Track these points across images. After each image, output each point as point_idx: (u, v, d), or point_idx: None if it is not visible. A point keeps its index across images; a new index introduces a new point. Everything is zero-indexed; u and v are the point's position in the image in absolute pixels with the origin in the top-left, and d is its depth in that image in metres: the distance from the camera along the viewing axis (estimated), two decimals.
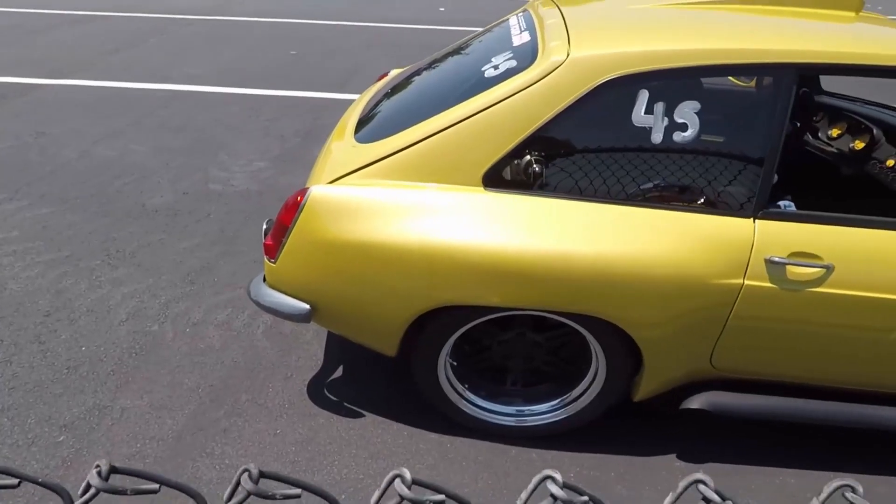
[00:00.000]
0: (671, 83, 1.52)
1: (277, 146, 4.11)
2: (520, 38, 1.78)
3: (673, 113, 1.53)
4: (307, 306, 1.69)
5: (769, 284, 1.55)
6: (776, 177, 2.50)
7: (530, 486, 0.48)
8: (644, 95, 1.52)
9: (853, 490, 0.45)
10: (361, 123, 1.89)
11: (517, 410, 1.91)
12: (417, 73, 2.13)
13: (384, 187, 1.61)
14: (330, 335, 2.36)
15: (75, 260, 2.76)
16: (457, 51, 2.14)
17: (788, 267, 1.54)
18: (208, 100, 4.93)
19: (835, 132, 2.43)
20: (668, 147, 1.56)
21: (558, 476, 0.47)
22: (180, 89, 5.13)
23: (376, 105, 2.00)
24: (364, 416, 2.04)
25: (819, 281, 1.54)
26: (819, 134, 2.51)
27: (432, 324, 1.68)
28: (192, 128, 4.33)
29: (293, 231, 1.64)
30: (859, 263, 1.54)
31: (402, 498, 0.47)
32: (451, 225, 1.55)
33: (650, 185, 1.60)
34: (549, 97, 1.51)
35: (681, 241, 1.53)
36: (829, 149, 2.42)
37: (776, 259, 1.54)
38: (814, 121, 2.56)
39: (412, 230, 1.56)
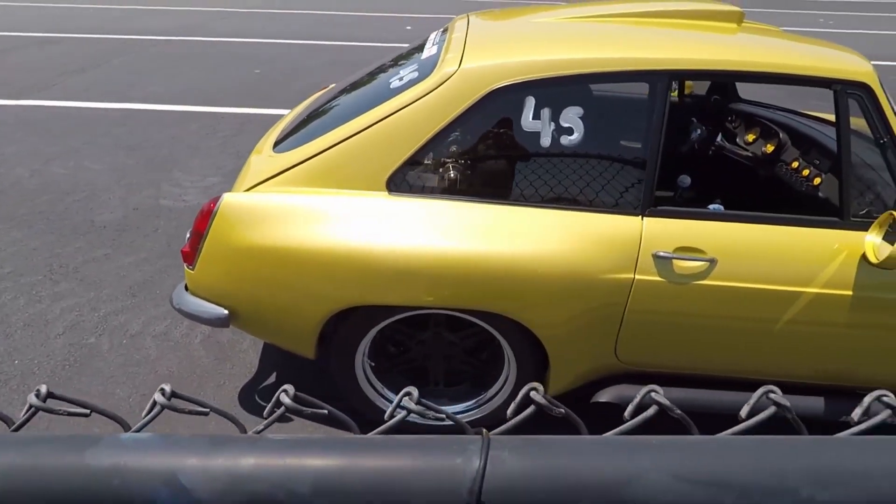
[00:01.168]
0: (554, 90, 1.61)
1: (232, 162, 4.16)
2: (429, 51, 1.88)
3: (559, 118, 1.62)
4: (225, 311, 1.74)
5: (658, 278, 1.63)
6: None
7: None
8: (530, 102, 1.61)
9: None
10: (282, 135, 1.97)
11: (461, 408, 1.97)
12: (344, 85, 2.21)
13: (295, 194, 1.67)
14: (266, 343, 2.40)
15: (16, 276, 2.78)
16: (382, 65, 2.23)
17: (674, 261, 1.63)
18: (167, 118, 4.97)
19: (750, 137, 2.55)
20: (557, 151, 1.65)
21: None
22: (139, 108, 5.18)
23: (298, 117, 2.07)
24: (292, 420, 2.07)
25: (703, 274, 1.62)
26: (737, 139, 2.63)
27: (344, 325, 1.74)
28: (148, 145, 4.37)
29: (207, 238, 1.69)
30: (741, 257, 1.63)
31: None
32: (356, 228, 1.62)
33: (544, 186, 1.68)
34: (443, 106, 1.60)
35: (575, 239, 1.61)
36: (745, 152, 2.54)
37: (662, 254, 1.62)
38: (733, 126, 2.69)
39: (320, 234, 1.62)
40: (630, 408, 0.52)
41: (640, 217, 1.65)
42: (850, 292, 1.63)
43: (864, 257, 1.62)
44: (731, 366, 1.79)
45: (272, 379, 2.26)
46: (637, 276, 1.63)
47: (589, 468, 0.41)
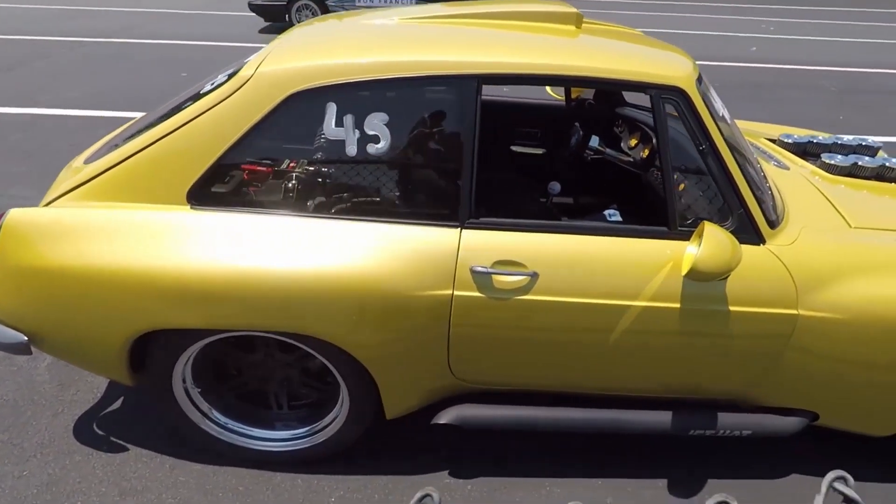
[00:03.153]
0: (355, 95, 1.51)
1: None
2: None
3: (363, 125, 1.52)
4: (24, 336, 1.59)
5: (477, 294, 1.54)
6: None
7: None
8: (332, 108, 1.51)
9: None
10: (100, 146, 1.82)
11: (287, 435, 1.85)
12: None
13: (90, 208, 1.54)
14: None
15: None
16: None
17: (493, 276, 1.54)
18: (74, 124, 4.75)
19: (633, 142, 2.50)
20: (365, 159, 1.55)
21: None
22: (46, 113, 4.94)
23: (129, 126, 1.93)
24: (128, 450, 1.93)
25: (525, 289, 1.54)
26: (622, 144, 2.58)
27: (153, 349, 1.61)
28: (44, 153, 4.15)
29: None
30: (563, 270, 1.55)
31: None
32: (153, 246, 1.49)
33: (354, 197, 1.58)
34: (240, 113, 1.48)
35: (387, 254, 1.51)
36: (627, 158, 2.49)
37: (480, 269, 1.53)
38: (619, 131, 2.63)
39: (115, 253, 1.49)
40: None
41: (458, 229, 1.56)
42: (678, 305, 1.57)
43: None
44: (569, 382, 1.72)
45: (116, 405, 2.11)
46: (456, 293, 1.54)
47: None
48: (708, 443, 2.04)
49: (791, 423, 1.77)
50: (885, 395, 1.71)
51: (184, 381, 1.72)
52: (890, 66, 8.66)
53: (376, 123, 1.51)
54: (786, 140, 2.41)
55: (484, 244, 1.55)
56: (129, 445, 1.95)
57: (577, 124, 2.59)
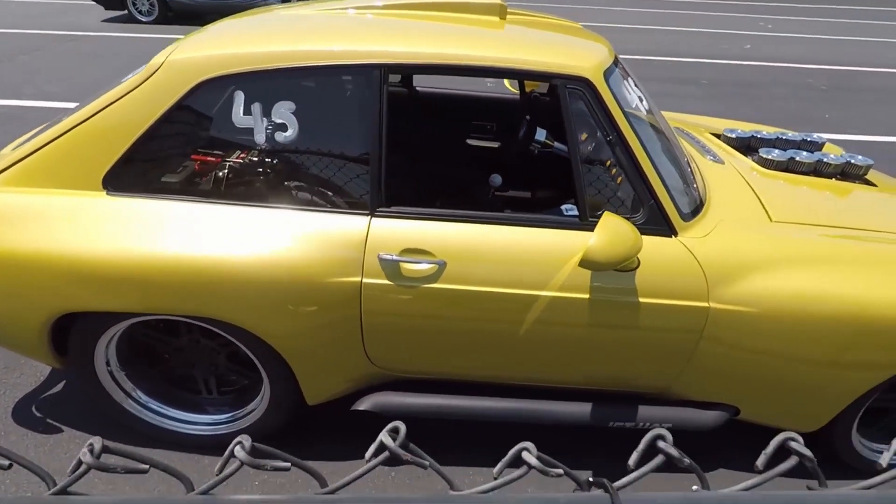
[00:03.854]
0: (261, 84, 1.54)
1: None
2: None
3: (271, 113, 1.55)
4: None
5: (386, 282, 1.56)
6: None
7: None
8: (240, 97, 1.54)
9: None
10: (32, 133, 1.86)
11: (208, 420, 1.88)
12: None
13: (9, 194, 1.58)
14: None
15: None
16: None
17: (401, 264, 1.57)
18: (55, 116, 4.80)
19: (584, 136, 2.52)
20: (274, 147, 1.57)
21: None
22: (29, 105, 5.00)
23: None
24: (62, 431, 1.97)
25: (433, 277, 1.56)
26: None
27: (73, 331, 1.65)
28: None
29: None
30: (471, 259, 1.57)
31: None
32: (69, 231, 1.53)
33: (264, 184, 1.61)
34: (152, 100, 1.51)
35: (298, 241, 1.54)
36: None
37: (388, 256, 1.56)
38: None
39: (32, 237, 1.53)
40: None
41: (368, 217, 1.58)
42: (587, 296, 1.59)
43: None
44: (488, 371, 1.74)
45: (57, 388, 2.15)
46: (365, 280, 1.56)
47: None
48: (639, 436, 2.06)
49: (711, 416, 1.78)
50: (802, 389, 1.71)
51: (108, 363, 1.76)
52: (884, 65, 8.61)
53: (283, 112, 1.53)
54: (729, 135, 2.41)
55: (393, 232, 1.57)
56: (64, 427, 1.99)
57: (527, 118, 2.61)
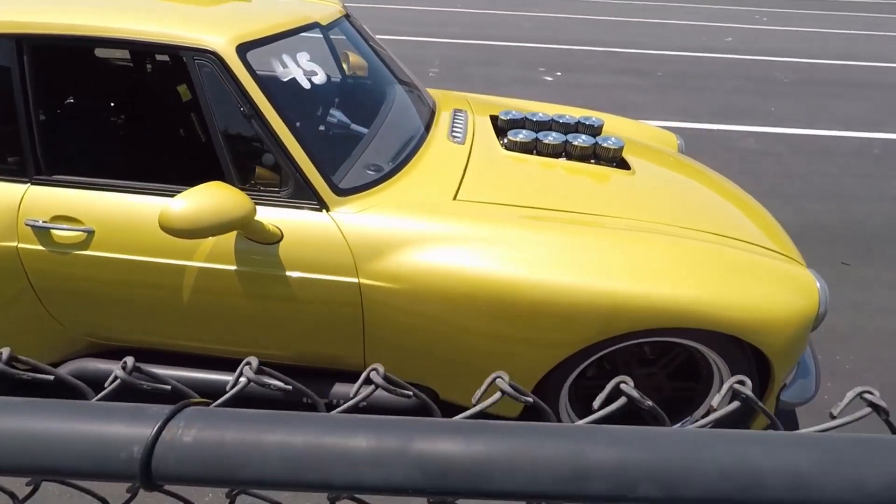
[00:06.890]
0: None
1: None
2: None
3: None
4: None
5: (39, 247, 1.62)
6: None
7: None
8: None
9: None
10: None
11: None
12: None
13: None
14: None
15: None
16: None
17: (52, 231, 1.62)
18: None
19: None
20: None
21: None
22: None
23: None
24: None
25: (83, 244, 1.61)
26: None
27: None
28: None
29: None
30: (119, 227, 1.61)
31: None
32: None
33: None
34: None
35: None
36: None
37: (36, 223, 1.61)
38: None
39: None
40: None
41: (26, 184, 1.64)
42: (234, 266, 1.61)
43: None
44: (175, 339, 1.76)
45: None
46: (20, 245, 1.62)
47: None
48: None
49: (408, 400, 1.76)
50: (476, 367, 1.67)
51: None
52: (869, 59, 8.21)
53: None
54: (503, 116, 2.36)
55: (46, 199, 1.62)
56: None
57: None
